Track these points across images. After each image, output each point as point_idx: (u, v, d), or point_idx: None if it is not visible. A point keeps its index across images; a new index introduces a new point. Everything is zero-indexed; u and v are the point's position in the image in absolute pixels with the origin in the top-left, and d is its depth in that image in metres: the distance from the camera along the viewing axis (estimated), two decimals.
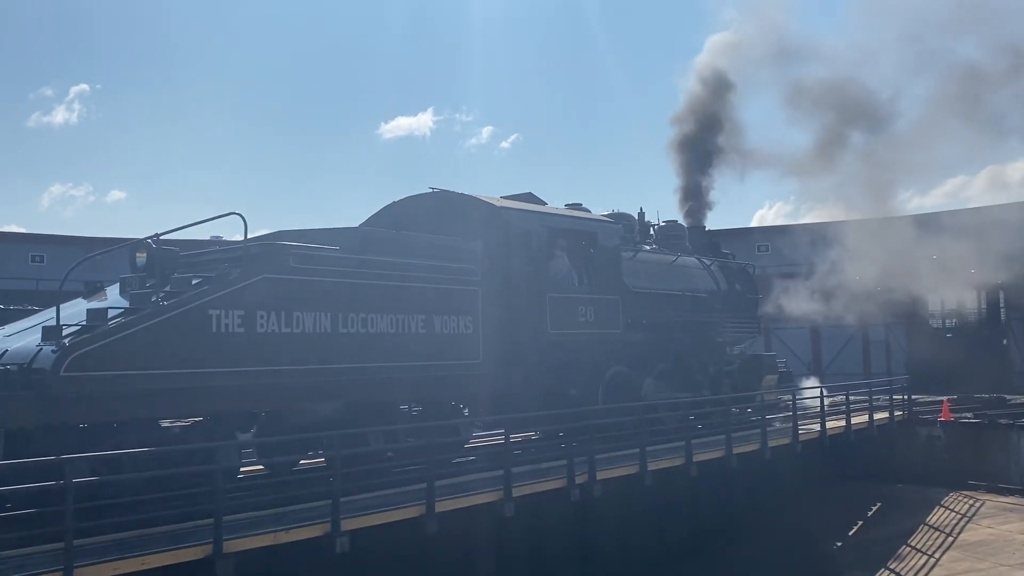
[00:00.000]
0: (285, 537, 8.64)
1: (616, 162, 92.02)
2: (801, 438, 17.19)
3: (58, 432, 8.38)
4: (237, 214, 9.94)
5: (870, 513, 18.90)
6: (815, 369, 28.90)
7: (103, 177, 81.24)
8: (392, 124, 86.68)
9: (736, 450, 15.16)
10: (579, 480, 11.99)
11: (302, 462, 12.41)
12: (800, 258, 35.76)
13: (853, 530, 18.09)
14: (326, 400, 10.65)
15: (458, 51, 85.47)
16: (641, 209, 18.18)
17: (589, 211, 16.34)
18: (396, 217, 14.16)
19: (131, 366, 8.67)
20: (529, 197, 15.32)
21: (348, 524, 9.04)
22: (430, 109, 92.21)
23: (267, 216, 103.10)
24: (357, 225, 13.94)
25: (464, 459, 12.92)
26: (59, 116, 75.14)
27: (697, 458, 14.20)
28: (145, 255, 9.83)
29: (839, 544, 17.36)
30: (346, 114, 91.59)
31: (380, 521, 9.57)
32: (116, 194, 79.82)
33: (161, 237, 9.62)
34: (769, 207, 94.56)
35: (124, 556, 7.53)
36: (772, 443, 16.26)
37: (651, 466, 13.20)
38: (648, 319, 15.66)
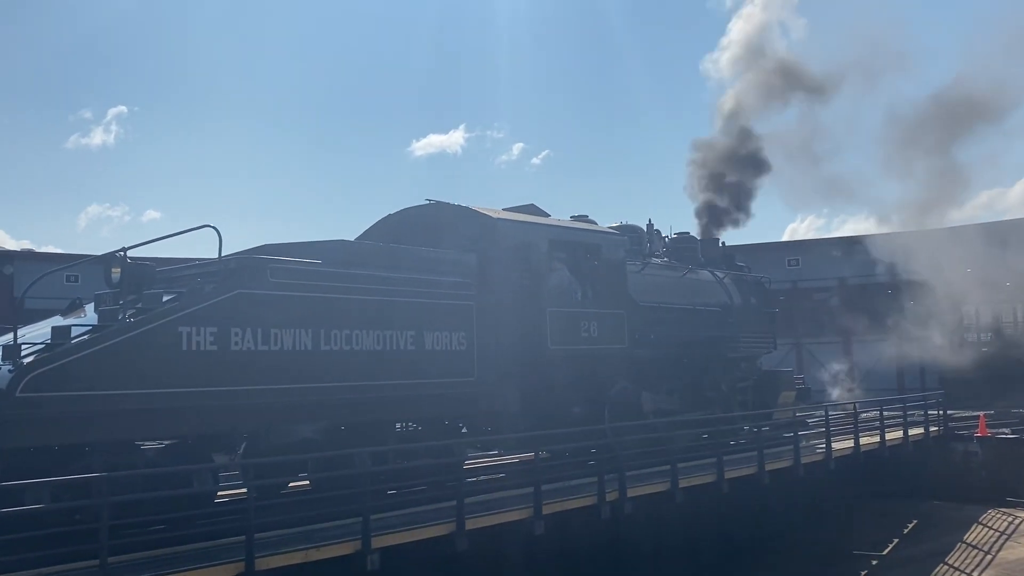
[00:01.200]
0: (316, 555, 8.62)
1: (648, 176, 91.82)
2: (835, 454, 16.85)
3: (17, 455, 8.09)
4: (211, 227, 9.68)
5: (906, 531, 18.55)
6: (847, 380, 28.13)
7: (139, 197, 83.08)
8: (424, 141, 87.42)
9: (768, 466, 14.91)
10: (609, 497, 11.85)
11: (291, 484, 12.06)
12: (832, 272, 35.04)
13: (888, 548, 17.72)
14: (307, 420, 10.32)
15: (489, 69, 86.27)
16: (650, 221, 17.74)
17: (595, 223, 15.89)
18: (392, 230, 13.80)
19: (95, 386, 8.38)
20: (531, 208, 14.94)
21: (379, 541, 9.03)
22: (462, 126, 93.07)
23: (297, 233, 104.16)
24: (354, 239, 13.63)
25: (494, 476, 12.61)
26: (97, 138, 76.92)
27: (729, 475, 14.00)
28: (119, 271, 9.56)
29: (874, 563, 16.98)
30: (378, 131, 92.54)
31: (410, 538, 9.56)
32: (151, 214, 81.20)
33: (128, 250, 9.33)
34: (801, 220, 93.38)
35: (158, 574, 7.53)
36: (805, 460, 15.95)
37: (682, 483, 13.05)
38: (656, 334, 15.16)
